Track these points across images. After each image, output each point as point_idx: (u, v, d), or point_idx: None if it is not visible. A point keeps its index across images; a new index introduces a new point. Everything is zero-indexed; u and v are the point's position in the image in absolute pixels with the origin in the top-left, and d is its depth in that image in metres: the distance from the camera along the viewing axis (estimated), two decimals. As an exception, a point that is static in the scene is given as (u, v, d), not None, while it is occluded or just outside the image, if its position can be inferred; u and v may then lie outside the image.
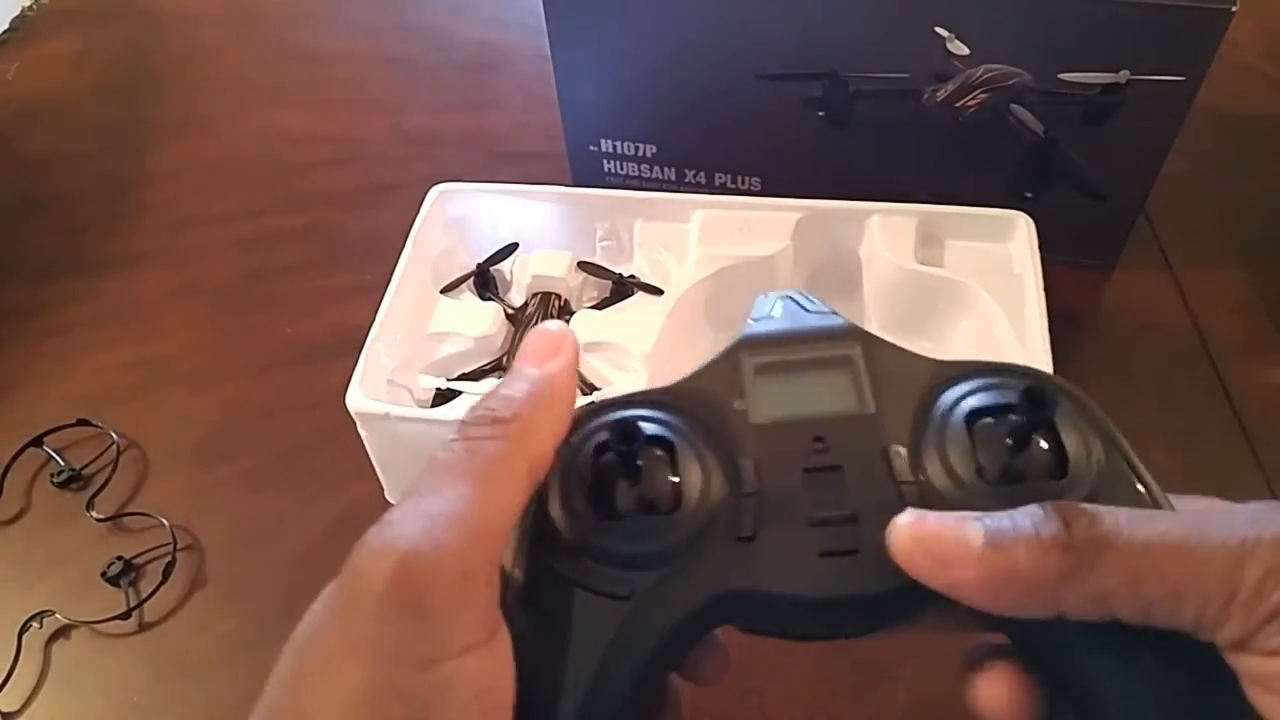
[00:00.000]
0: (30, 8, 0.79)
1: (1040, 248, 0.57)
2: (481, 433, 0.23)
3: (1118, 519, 0.21)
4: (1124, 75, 0.48)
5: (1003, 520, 0.22)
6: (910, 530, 0.22)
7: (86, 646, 0.45)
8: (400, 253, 0.49)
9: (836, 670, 0.43)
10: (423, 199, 0.51)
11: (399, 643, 0.20)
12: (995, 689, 0.24)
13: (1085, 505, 0.22)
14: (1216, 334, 0.55)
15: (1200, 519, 0.21)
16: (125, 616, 0.45)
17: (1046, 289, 0.57)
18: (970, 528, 0.22)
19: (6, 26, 0.77)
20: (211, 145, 0.68)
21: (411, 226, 0.50)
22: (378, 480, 0.50)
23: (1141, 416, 0.51)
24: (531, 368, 0.25)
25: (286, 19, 0.78)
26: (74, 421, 0.52)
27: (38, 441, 0.51)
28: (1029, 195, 0.55)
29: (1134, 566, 0.21)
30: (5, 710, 0.43)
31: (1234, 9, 0.45)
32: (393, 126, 0.69)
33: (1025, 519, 0.22)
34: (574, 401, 0.25)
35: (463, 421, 0.24)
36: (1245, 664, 0.21)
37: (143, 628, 0.45)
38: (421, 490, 0.22)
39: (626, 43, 0.54)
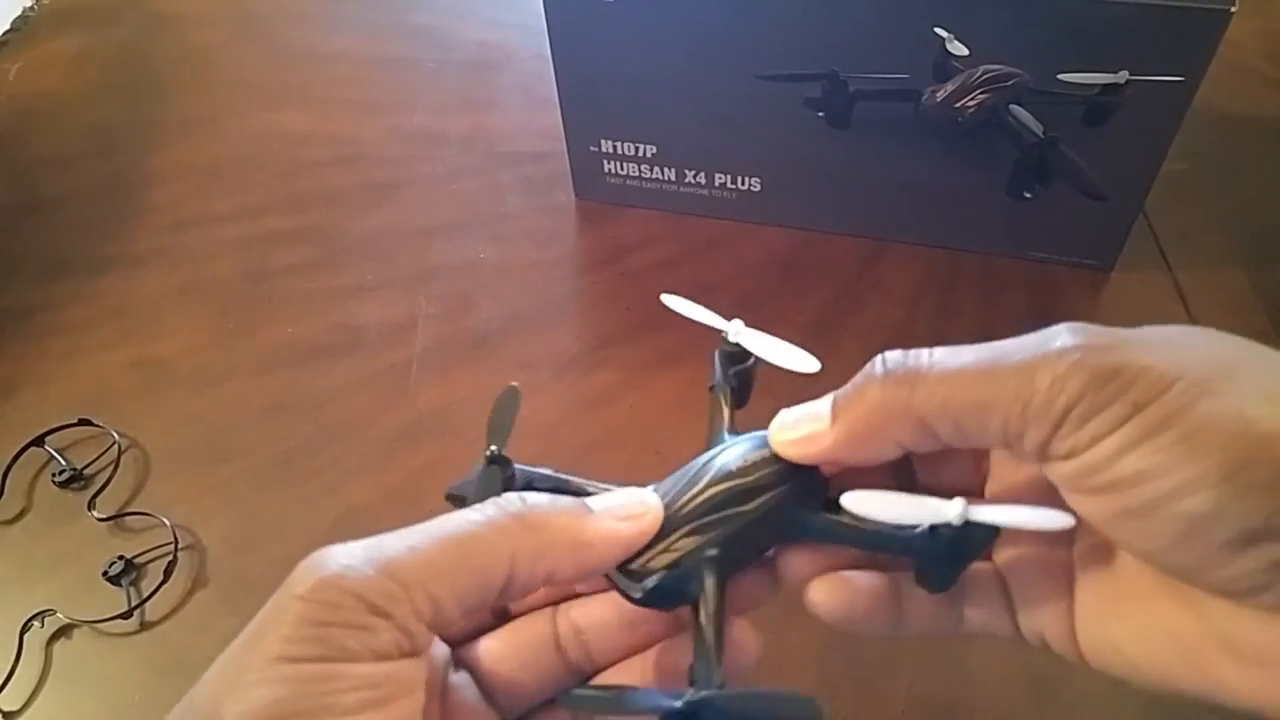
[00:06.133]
0: (31, 8, 0.79)
1: (1040, 248, 0.58)
2: (488, 512, 0.23)
3: (928, 354, 0.24)
4: (1123, 76, 0.48)
5: (845, 387, 0.25)
6: (780, 418, 0.26)
7: (88, 646, 0.45)
8: (398, 253, 0.49)
9: (836, 669, 0.43)
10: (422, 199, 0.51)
11: (301, 637, 0.21)
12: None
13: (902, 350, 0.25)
14: (1216, 334, 0.55)
15: (1001, 345, 0.24)
16: (126, 616, 0.45)
17: (1047, 290, 0.57)
18: (821, 401, 0.26)
19: (8, 26, 0.78)
20: (213, 145, 0.68)
21: (413, 225, 0.50)
22: (378, 480, 0.50)
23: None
24: (601, 513, 0.25)
25: (288, 19, 0.78)
26: (75, 421, 0.52)
27: (39, 441, 0.51)
28: (1028, 195, 0.55)
29: (943, 391, 0.23)
30: (7, 709, 0.43)
31: (1233, 9, 0.45)
32: (393, 127, 0.69)
33: (859, 375, 0.25)
34: (587, 567, 0.25)
35: (497, 501, 0.24)
36: (1052, 472, 0.23)
37: (144, 627, 0.45)
38: (406, 530, 0.23)
39: (627, 43, 0.54)
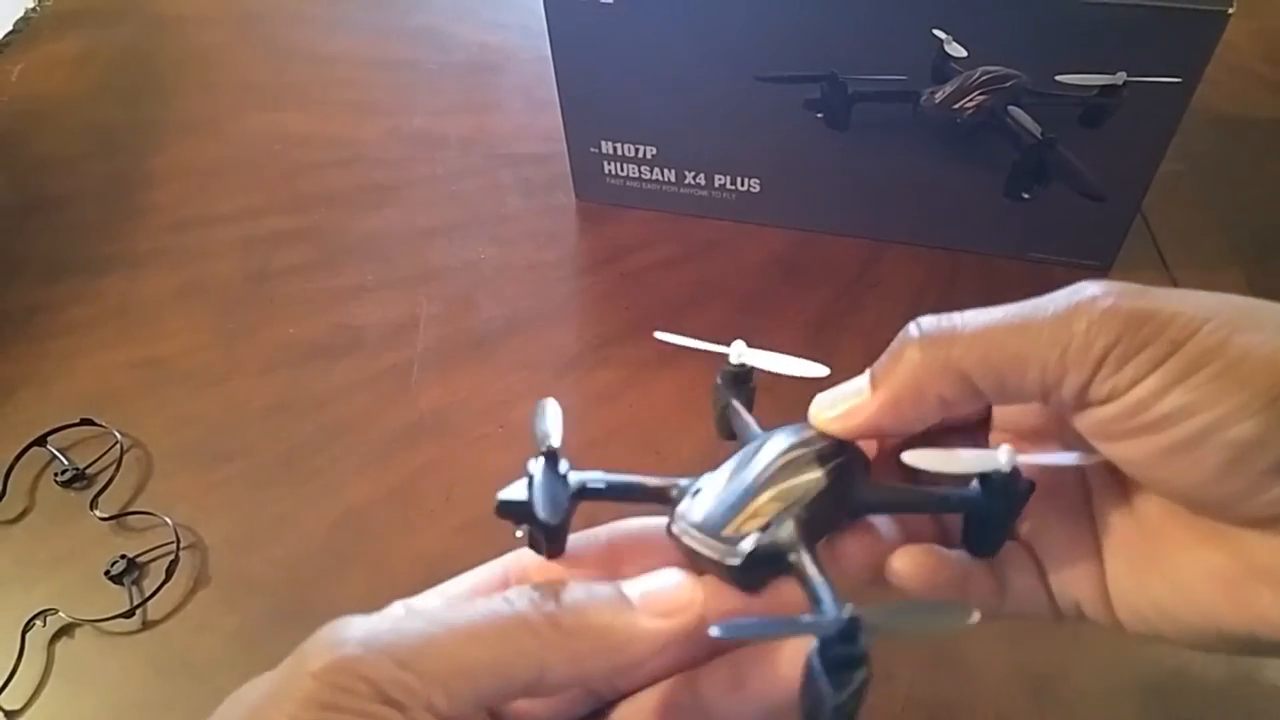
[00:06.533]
0: (34, 9, 0.79)
1: (1038, 249, 0.58)
2: (520, 606, 0.22)
3: (959, 315, 0.25)
4: (1121, 77, 0.48)
5: (881, 358, 0.26)
6: (818, 401, 0.27)
7: (90, 645, 0.45)
8: (399, 254, 0.49)
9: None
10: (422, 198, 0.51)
11: (308, 718, 0.20)
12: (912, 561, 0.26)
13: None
14: (1214, 334, 0.55)
15: (1031, 301, 0.24)
16: (128, 615, 0.45)
17: (1046, 290, 0.57)
18: (858, 379, 0.26)
19: (10, 28, 0.78)
20: (214, 146, 0.69)
21: (414, 226, 0.50)
22: (379, 480, 0.50)
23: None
24: (643, 606, 0.23)
25: (289, 21, 0.79)
26: (77, 421, 0.52)
27: (41, 441, 0.51)
28: (1027, 196, 0.55)
29: (981, 344, 0.24)
30: (9, 708, 0.43)
31: (1231, 11, 0.45)
32: (394, 128, 0.69)
33: (893, 343, 0.26)
34: (623, 668, 0.23)
35: (531, 594, 0.22)
36: (1089, 419, 0.24)
37: (146, 626, 0.45)
38: (432, 612, 0.22)
39: (627, 44, 0.54)
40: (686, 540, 0.25)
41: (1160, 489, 0.25)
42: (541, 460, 0.25)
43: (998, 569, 0.28)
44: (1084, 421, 0.24)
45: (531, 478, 0.25)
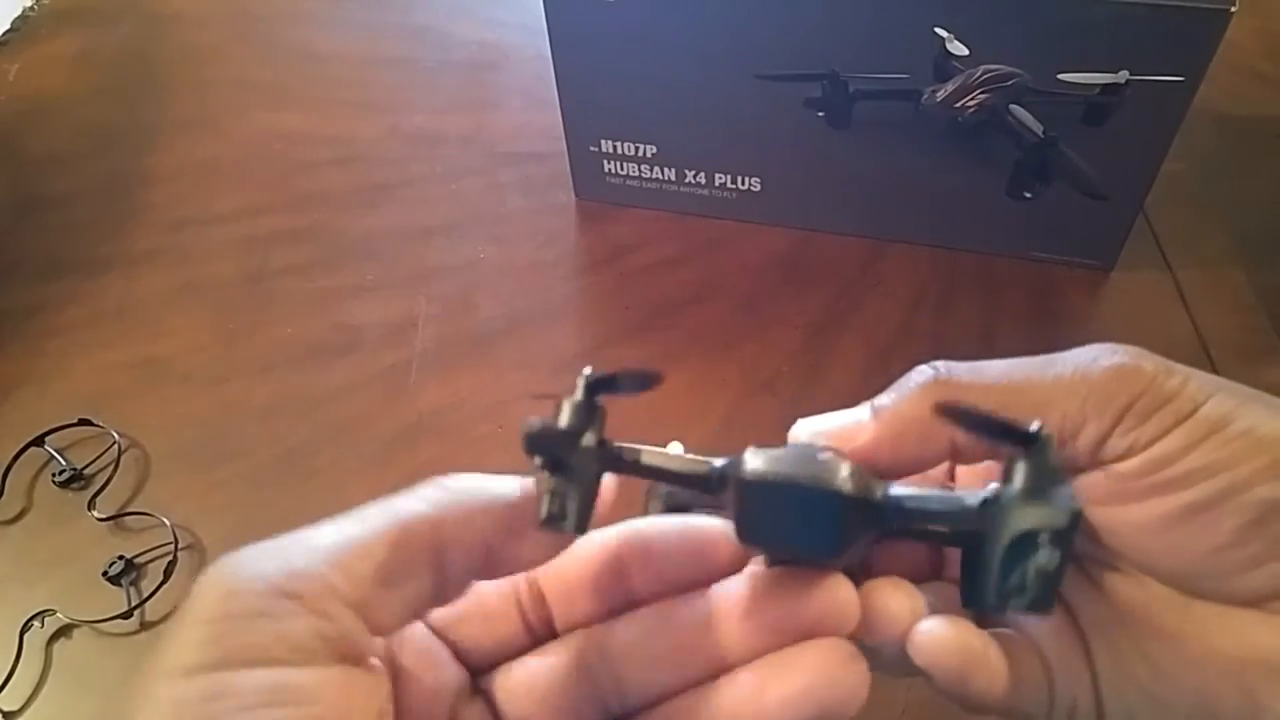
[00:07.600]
0: (31, 8, 0.79)
1: (1040, 248, 0.58)
2: (436, 496, 0.22)
3: (978, 363, 0.25)
4: (1123, 75, 0.48)
5: (887, 392, 0.25)
6: (803, 421, 0.26)
7: (88, 646, 0.45)
8: (398, 253, 0.48)
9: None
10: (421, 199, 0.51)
11: (203, 643, 0.18)
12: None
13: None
14: (1215, 334, 0.55)
15: (1048, 355, 0.24)
16: (127, 616, 0.45)
17: (1047, 290, 0.58)
18: (855, 409, 0.25)
19: (8, 27, 0.78)
20: (212, 145, 0.68)
21: (413, 225, 0.49)
22: (378, 480, 0.50)
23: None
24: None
25: (287, 19, 0.78)
26: (75, 421, 0.52)
27: (39, 441, 0.51)
28: (1028, 195, 0.55)
29: (1003, 388, 0.24)
30: (7, 709, 0.43)
31: (1233, 9, 0.45)
32: (393, 127, 0.69)
33: (904, 379, 0.25)
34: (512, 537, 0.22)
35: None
36: (1102, 479, 0.23)
37: (144, 627, 0.45)
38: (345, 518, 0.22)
39: (626, 43, 0.54)
40: (773, 470, 0.22)
41: (1156, 563, 0.24)
42: (581, 390, 0.21)
43: (1015, 654, 0.25)
44: (1092, 482, 0.24)
45: (570, 406, 0.21)
